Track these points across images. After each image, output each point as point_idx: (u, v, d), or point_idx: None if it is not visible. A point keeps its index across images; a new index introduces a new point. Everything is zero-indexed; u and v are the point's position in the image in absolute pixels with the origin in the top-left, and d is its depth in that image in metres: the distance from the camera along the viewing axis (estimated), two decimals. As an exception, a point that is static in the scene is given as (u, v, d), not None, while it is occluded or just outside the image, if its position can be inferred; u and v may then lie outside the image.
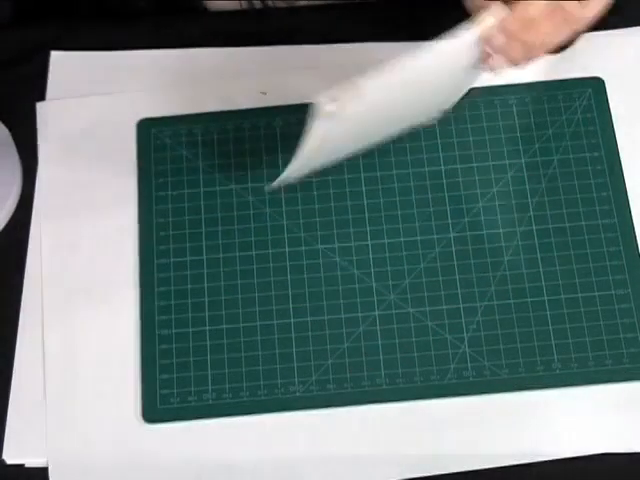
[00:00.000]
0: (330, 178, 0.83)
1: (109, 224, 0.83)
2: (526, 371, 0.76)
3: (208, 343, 0.78)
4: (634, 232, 0.80)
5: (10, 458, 0.76)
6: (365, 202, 0.82)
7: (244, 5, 0.93)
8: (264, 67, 0.87)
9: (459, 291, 0.79)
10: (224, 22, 0.90)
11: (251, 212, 0.82)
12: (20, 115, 0.86)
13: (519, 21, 0.69)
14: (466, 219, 0.81)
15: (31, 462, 0.76)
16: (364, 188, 0.83)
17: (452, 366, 0.77)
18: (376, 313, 0.79)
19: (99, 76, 0.88)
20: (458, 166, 0.83)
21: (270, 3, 0.93)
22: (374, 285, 0.79)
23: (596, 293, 0.78)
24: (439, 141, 0.84)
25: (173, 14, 0.91)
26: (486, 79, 0.85)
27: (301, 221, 0.82)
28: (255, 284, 0.80)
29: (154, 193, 0.83)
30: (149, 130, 0.85)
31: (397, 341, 0.78)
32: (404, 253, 0.80)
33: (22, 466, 0.76)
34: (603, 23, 0.78)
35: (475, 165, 0.83)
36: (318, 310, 0.79)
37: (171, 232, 0.82)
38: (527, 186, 0.82)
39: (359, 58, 0.87)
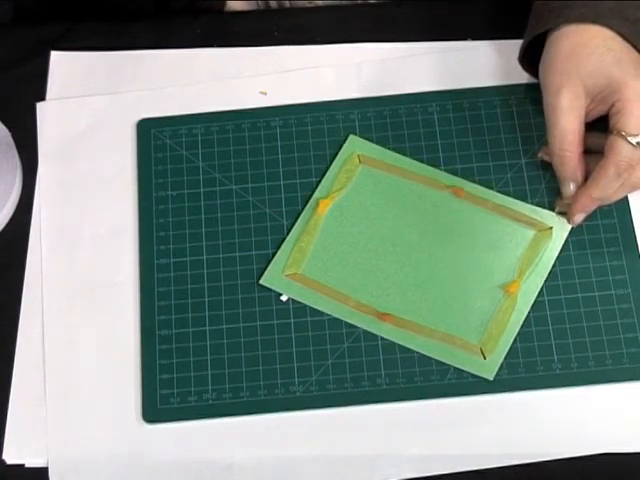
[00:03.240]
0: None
1: (109, 224, 0.83)
2: (526, 371, 0.76)
3: (208, 343, 0.78)
4: (634, 232, 0.80)
5: (10, 458, 0.76)
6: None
7: (261, 5, 0.93)
8: (264, 67, 0.87)
9: (459, 291, 0.79)
10: (225, 22, 0.90)
11: (251, 212, 0.82)
12: (20, 115, 0.86)
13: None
14: (466, 219, 0.82)
15: (31, 462, 0.76)
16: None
17: (452, 366, 0.77)
18: (376, 313, 0.79)
19: (99, 76, 0.88)
20: (458, 166, 0.83)
21: (287, 3, 0.93)
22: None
23: (596, 293, 0.78)
24: (439, 141, 0.84)
25: (172, 14, 0.91)
26: (486, 79, 0.86)
27: (301, 221, 0.82)
28: (255, 284, 0.80)
29: (154, 193, 0.83)
30: (149, 130, 0.85)
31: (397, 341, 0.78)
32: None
33: (22, 466, 0.76)
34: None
35: (475, 165, 0.83)
36: (318, 309, 0.79)
37: (171, 232, 0.82)
38: (527, 187, 0.82)
39: (359, 58, 0.87)
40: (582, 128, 0.77)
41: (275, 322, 0.79)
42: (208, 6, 0.91)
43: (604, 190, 0.77)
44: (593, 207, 0.78)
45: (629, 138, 0.74)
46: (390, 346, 0.77)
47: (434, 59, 0.87)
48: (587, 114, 0.77)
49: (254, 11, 0.93)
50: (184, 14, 0.91)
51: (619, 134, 0.75)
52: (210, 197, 0.83)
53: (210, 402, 0.77)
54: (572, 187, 0.78)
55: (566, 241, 0.80)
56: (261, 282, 0.80)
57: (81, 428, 0.77)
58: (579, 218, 0.79)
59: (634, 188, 0.77)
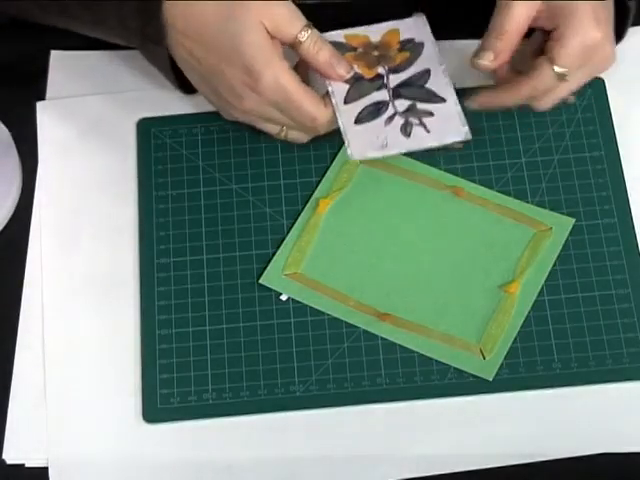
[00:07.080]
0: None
1: (109, 224, 0.83)
2: (526, 371, 0.76)
3: (208, 343, 0.78)
4: (634, 232, 0.80)
5: (10, 458, 0.76)
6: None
7: None
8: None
9: (459, 291, 0.79)
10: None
11: (251, 212, 0.82)
12: (20, 115, 0.86)
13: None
14: (466, 219, 0.82)
15: (31, 462, 0.76)
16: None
17: (452, 366, 0.77)
18: (376, 313, 0.79)
19: (99, 76, 0.88)
20: (458, 166, 0.83)
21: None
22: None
23: (596, 293, 0.78)
24: (439, 141, 0.84)
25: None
26: (486, 78, 0.86)
27: (301, 221, 0.82)
28: (255, 283, 0.80)
29: (154, 193, 0.83)
30: (149, 130, 0.85)
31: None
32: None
33: (22, 466, 0.76)
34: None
35: (475, 165, 0.83)
36: (318, 309, 0.79)
37: (171, 232, 0.82)
38: (527, 186, 0.82)
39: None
40: (527, 25, 0.77)
41: (275, 322, 0.79)
42: None
43: (509, 99, 0.79)
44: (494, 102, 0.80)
45: (555, 68, 0.76)
46: (390, 346, 0.77)
47: (434, 59, 0.86)
48: (535, 18, 0.78)
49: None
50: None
51: (549, 59, 0.76)
52: (210, 196, 0.83)
53: (210, 402, 0.77)
54: (492, 57, 0.78)
55: (566, 241, 0.80)
56: (261, 281, 0.80)
57: (81, 428, 0.77)
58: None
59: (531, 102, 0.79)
